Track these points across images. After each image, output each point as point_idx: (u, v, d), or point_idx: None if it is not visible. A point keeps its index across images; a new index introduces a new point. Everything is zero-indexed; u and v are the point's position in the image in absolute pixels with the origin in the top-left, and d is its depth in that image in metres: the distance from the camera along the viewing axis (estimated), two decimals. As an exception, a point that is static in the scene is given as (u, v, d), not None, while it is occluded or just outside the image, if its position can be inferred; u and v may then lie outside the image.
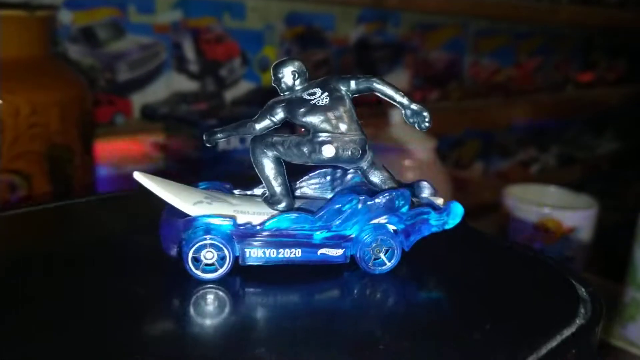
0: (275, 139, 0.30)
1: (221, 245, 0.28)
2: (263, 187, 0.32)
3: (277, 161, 0.30)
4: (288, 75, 0.30)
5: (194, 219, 0.28)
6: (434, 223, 0.31)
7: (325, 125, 0.29)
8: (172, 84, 0.82)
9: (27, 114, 0.46)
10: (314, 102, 0.30)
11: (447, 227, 0.31)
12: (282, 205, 0.30)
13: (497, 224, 0.80)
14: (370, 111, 0.98)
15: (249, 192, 0.33)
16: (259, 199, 0.32)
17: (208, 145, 0.31)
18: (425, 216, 0.31)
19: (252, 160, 0.30)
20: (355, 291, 0.30)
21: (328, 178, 0.34)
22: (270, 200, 0.31)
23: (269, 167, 0.30)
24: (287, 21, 0.93)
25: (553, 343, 0.25)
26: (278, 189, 0.30)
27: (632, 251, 0.64)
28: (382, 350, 0.24)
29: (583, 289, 0.31)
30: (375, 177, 0.32)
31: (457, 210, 0.31)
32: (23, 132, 0.47)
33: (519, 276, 0.33)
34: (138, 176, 0.29)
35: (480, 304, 0.29)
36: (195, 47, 0.84)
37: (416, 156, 0.82)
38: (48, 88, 0.49)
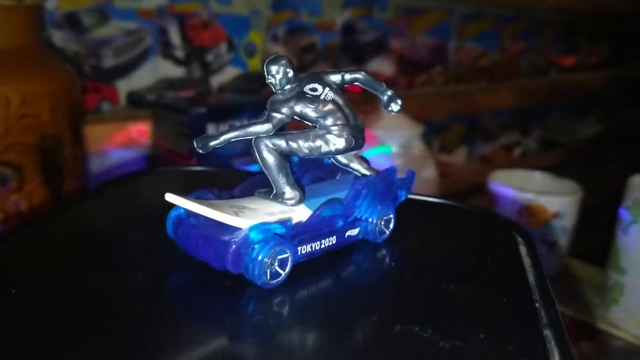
0: (279, 135, 0.30)
1: (286, 250, 0.28)
2: (247, 186, 0.33)
3: (282, 157, 0.31)
4: (283, 73, 0.30)
5: (255, 229, 0.28)
6: (405, 190, 0.37)
7: (337, 118, 0.31)
8: (157, 70, 0.81)
9: (18, 105, 0.46)
10: (322, 97, 0.31)
11: (409, 192, 0.37)
12: (293, 200, 0.31)
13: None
14: (357, 98, 0.98)
15: (237, 194, 0.33)
16: (264, 198, 0.32)
17: (201, 152, 0.30)
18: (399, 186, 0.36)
19: (257, 158, 0.30)
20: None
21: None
22: (280, 196, 0.31)
23: (275, 164, 0.30)
24: (274, 6, 0.93)
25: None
26: (286, 185, 0.31)
27: (614, 236, 0.66)
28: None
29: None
30: (356, 162, 0.34)
31: (412, 176, 0.37)
32: (14, 124, 0.46)
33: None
34: (171, 198, 0.28)
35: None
36: (181, 33, 0.84)
37: (403, 142, 0.82)
38: (38, 78, 0.48)
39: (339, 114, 0.31)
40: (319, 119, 0.30)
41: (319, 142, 0.31)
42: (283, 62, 0.30)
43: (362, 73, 0.33)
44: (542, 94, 1.44)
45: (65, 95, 0.51)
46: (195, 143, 0.30)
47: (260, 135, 0.30)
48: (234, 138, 0.30)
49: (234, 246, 0.27)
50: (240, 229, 0.28)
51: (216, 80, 0.88)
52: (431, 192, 0.84)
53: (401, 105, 0.33)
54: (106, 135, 0.70)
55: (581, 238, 0.80)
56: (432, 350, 0.24)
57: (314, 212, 0.30)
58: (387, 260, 0.33)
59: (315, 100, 0.30)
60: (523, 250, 0.35)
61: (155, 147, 0.74)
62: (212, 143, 0.29)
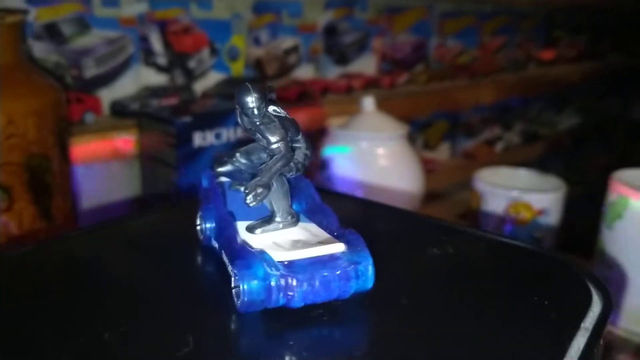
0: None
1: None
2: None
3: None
4: (261, 100, 0.29)
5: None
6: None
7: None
8: (140, 78, 0.81)
9: (4, 125, 0.45)
10: (283, 115, 0.30)
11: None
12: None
13: (467, 207, 0.82)
14: (342, 99, 0.98)
15: None
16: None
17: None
18: None
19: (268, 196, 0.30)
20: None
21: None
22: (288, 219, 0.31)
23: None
24: (255, 9, 0.92)
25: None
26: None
27: (599, 231, 0.67)
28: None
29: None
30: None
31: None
32: (0, 144, 0.46)
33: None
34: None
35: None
36: (163, 39, 0.83)
37: (388, 143, 0.83)
38: (24, 96, 0.48)
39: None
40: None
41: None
42: (258, 90, 0.29)
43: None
44: (523, 88, 1.46)
45: (51, 112, 0.51)
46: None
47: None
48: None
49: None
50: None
51: (199, 86, 0.87)
52: (418, 190, 0.84)
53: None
54: (91, 146, 0.69)
55: (566, 231, 0.81)
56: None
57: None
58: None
59: (286, 119, 0.30)
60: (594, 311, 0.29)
61: (142, 158, 0.73)
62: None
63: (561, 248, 0.84)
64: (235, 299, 0.27)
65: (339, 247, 0.28)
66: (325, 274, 0.27)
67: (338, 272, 0.27)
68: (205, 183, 0.36)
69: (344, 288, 0.27)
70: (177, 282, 0.31)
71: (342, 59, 1.08)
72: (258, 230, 0.31)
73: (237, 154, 0.33)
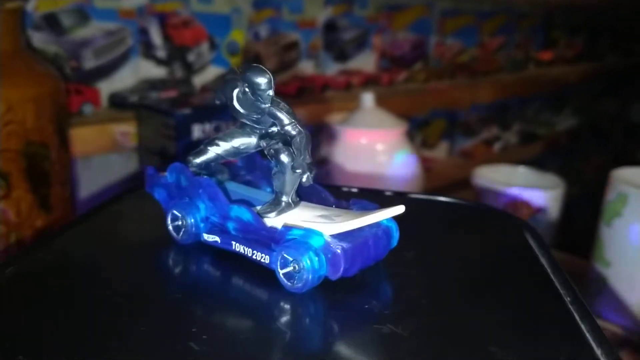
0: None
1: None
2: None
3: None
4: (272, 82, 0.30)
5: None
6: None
7: None
8: (139, 71, 0.81)
9: (3, 112, 0.45)
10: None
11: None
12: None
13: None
14: (341, 95, 0.98)
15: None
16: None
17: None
18: None
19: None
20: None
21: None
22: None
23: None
24: (255, 4, 0.92)
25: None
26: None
27: (597, 228, 0.67)
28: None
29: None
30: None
31: None
32: (-1, 131, 0.45)
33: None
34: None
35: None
36: (162, 32, 0.83)
37: (387, 140, 0.82)
38: (23, 84, 0.48)
39: None
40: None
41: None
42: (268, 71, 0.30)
43: None
44: (521, 88, 1.46)
45: (50, 100, 0.50)
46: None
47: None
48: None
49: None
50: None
51: (199, 80, 0.87)
52: (416, 188, 0.84)
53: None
54: (90, 138, 0.69)
55: (564, 230, 0.81)
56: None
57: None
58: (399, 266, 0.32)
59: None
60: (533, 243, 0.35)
61: (140, 150, 0.73)
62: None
63: (560, 246, 0.84)
64: (289, 281, 0.28)
65: (399, 209, 0.29)
66: (371, 239, 0.29)
67: (379, 235, 0.30)
68: (172, 178, 0.33)
69: (384, 249, 0.30)
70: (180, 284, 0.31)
71: (341, 55, 1.07)
72: (272, 214, 0.30)
73: (217, 141, 0.32)
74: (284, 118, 0.29)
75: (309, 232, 0.28)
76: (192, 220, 0.32)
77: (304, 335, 0.26)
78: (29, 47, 0.67)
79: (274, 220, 0.30)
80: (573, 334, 0.26)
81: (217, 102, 0.31)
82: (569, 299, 0.29)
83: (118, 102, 0.76)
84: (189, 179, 0.32)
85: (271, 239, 0.29)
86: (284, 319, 0.27)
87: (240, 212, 0.30)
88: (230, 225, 0.31)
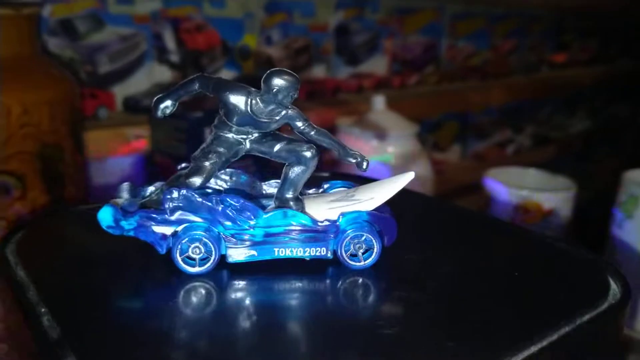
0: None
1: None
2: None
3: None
4: None
5: None
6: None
7: None
8: (153, 75, 0.82)
9: (19, 114, 0.46)
10: None
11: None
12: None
13: (477, 207, 0.82)
14: (353, 99, 0.99)
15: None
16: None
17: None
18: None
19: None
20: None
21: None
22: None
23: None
24: (267, 9, 0.93)
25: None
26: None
27: (609, 231, 0.67)
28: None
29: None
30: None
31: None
32: (15, 133, 0.46)
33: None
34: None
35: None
36: (176, 37, 0.84)
37: (398, 142, 0.83)
38: (38, 87, 0.49)
39: None
40: None
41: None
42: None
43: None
44: (534, 91, 1.45)
45: (65, 103, 0.51)
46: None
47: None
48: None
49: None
50: None
51: (211, 84, 0.88)
52: (427, 191, 0.84)
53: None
54: (104, 141, 0.70)
55: (575, 233, 0.81)
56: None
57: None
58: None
59: None
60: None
61: (153, 153, 0.74)
62: None
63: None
64: (356, 262, 0.31)
65: (411, 175, 0.32)
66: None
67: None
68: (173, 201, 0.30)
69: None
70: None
71: (353, 59, 1.08)
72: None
73: (208, 155, 0.31)
74: (302, 118, 0.31)
75: (361, 213, 0.31)
76: (218, 244, 0.30)
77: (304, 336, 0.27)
78: (44, 51, 0.68)
79: (321, 214, 0.32)
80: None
81: (161, 115, 0.32)
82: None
83: (132, 105, 0.77)
84: (202, 201, 0.30)
85: (327, 231, 0.31)
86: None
87: (290, 216, 0.31)
88: (260, 233, 0.31)
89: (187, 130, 0.67)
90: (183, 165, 0.33)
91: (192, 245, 0.30)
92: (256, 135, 0.31)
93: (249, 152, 0.32)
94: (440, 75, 1.20)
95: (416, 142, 0.84)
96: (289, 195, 0.31)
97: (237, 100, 0.30)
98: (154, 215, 0.30)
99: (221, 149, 0.31)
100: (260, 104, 0.30)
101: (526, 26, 1.48)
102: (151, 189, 0.32)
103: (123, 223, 0.30)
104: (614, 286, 0.32)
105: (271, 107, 0.30)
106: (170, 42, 0.83)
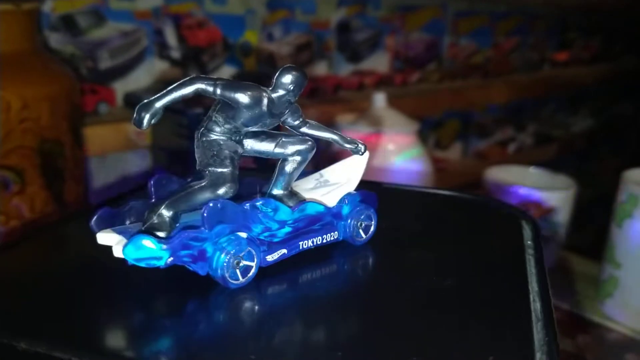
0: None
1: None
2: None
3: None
4: None
5: None
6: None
7: None
8: (154, 71, 0.82)
9: (18, 109, 0.46)
10: None
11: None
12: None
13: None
14: (354, 96, 0.99)
15: None
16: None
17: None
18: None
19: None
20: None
21: None
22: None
23: None
24: (269, 5, 0.93)
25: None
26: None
27: (609, 229, 0.67)
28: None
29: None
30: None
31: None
32: (14, 128, 0.46)
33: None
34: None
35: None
36: (177, 33, 0.84)
37: (399, 140, 0.83)
38: (38, 82, 0.49)
39: None
40: None
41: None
42: None
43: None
44: (536, 89, 1.45)
45: (65, 98, 0.52)
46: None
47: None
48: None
49: None
50: None
51: (212, 80, 0.88)
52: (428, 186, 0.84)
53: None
54: (105, 137, 0.70)
55: (576, 231, 0.81)
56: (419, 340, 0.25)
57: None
58: (383, 252, 0.35)
59: None
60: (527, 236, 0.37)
61: (154, 149, 0.74)
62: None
63: (574, 248, 0.84)
64: (361, 238, 0.34)
65: (366, 156, 0.34)
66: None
67: None
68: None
69: None
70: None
71: (354, 56, 1.08)
72: (291, 203, 0.32)
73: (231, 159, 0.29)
74: (300, 111, 0.31)
75: (354, 194, 0.34)
76: (259, 251, 0.29)
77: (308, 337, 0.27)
78: (45, 47, 0.68)
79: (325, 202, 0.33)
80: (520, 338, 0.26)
81: (144, 127, 0.28)
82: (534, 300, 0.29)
83: (133, 101, 0.77)
84: (238, 210, 0.29)
85: (335, 216, 0.33)
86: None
87: (310, 208, 0.32)
88: (288, 230, 0.31)
89: (188, 126, 0.68)
90: (189, 180, 0.30)
91: (236, 258, 0.28)
92: (250, 134, 0.31)
93: (246, 153, 0.31)
94: (442, 73, 1.20)
95: (416, 139, 0.84)
96: (284, 190, 0.31)
97: (255, 99, 0.29)
98: (197, 235, 0.27)
99: (227, 151, 0.29)
100: (275, 101, 0.30)
101: (528, 24, 1.47)
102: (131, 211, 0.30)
103: (164, 252, 0.26)
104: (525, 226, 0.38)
105: (284, 103, 0.30)
106: (171, 38, 0.83)
